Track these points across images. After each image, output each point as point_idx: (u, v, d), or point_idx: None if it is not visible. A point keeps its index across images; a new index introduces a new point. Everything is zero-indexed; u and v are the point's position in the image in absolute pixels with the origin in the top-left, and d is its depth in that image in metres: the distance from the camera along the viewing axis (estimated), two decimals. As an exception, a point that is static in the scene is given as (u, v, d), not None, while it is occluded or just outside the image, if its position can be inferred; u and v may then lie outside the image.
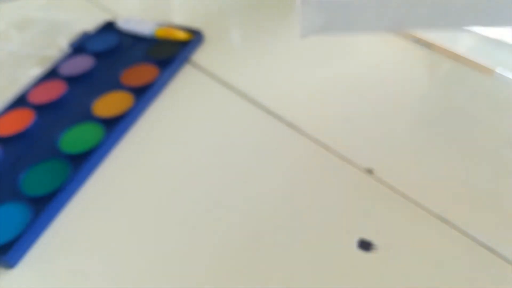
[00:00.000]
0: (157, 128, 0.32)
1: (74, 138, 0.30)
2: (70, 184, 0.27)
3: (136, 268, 0.23)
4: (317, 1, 0.10)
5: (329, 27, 0.11)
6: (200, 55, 0.38)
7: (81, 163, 0.28)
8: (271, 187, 0.26)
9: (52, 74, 0.36)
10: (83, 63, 0.37)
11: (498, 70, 0.28)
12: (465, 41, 0.30)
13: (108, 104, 0.32)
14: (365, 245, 0.23)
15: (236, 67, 0.36)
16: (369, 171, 0.27)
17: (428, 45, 0.26)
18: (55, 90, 0.34)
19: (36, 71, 0.37)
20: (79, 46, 0.39)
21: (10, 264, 0.24)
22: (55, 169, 0.28)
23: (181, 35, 0.39)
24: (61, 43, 0.39)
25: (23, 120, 0.32)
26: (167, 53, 0.37)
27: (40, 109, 0.33)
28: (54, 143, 0.30)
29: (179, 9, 0.47)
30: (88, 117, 0.31)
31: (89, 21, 0.42)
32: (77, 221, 0.26)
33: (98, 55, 0.38)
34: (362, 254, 0.23)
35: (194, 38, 0.39)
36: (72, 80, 0.35)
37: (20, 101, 0.34)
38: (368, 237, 0.23)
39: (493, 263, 0.22)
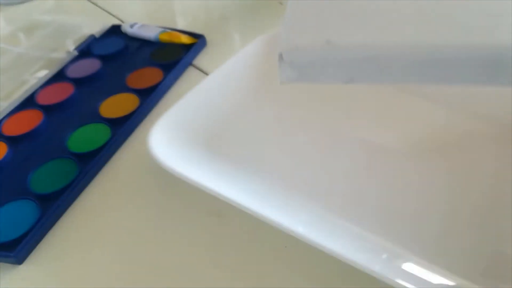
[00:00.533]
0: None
1: (82, 138, 0.31)
2: (77, 182, 0.27)
3: (143, 265, 0.23)
4: (289, 61, 0.14)
5: (302, 79, 0.15)
6: (203, 59, 0.39)
7: (88, 162, 0.28)
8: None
9: (59, 76, 0.37)
10: (90, 65, 0.38)
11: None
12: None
13: (114, 105, 0.33)
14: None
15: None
16: None
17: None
18: (63, 91, 0.35)
19: (43, 73, 0.37)
20: (86, 49, 0.40)
21: (18, 260, 0.24)
22: (63, 168, 0.28)
23: (185, 39, 0.40)
24: (68, 46, 0.40)
25: (32, 120, 0.32)
26: (171, 57, 0.38)
27: (48, 110, 0.33)
28: (62, 142, 0.30)
29: (182, 14, 0.48)
30: (95, 117, 0.32)
31: (96, 25, 0.43)
32: (84, 218, 0.26)
33: (104, 58, 0.38)
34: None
35: (197, 42, 0.40)
36: (79, 82, 0.36)
37: (29, 102, 0.34)
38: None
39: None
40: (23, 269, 0.24)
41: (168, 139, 0.26)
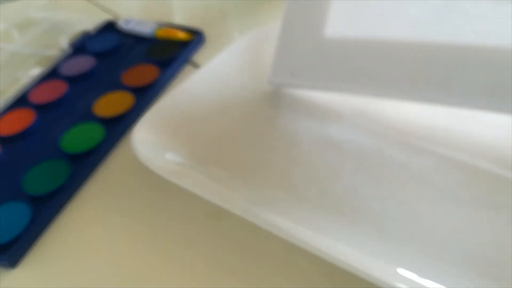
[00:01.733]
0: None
1: (75, 138, 0.30)
2: (71, 183, 0.27)
3: (139, 268, 0.23)
4: (273, 82, 0.24)
5: (281, 87, 0.25)
6: (201, 56, 0.39)
7: (82, 163, 0.28)
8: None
9: (52, 74, 0.36)
10: (84, 63, 0.37)
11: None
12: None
13: (109, 104, 0.33)
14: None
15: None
16: None
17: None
18: (56, 90, 0.34)
19: (36, 71, 0.37)
20: (80, 46, 0.39)
21: (11, 263, 0.24)
22: (56, 169, 0.28)
23: (182, 35, 0.39)
24: (62, 43, 0.39)
25: (24, 119, 0.32)
26: (168, 53, 0.37)
27: (40, 109, 0.33)
28: (55, 142, 0.30)
29: (179, 9, 0.48)
30: (88, 117, 0.32)
31: (90, 22, 0.42)
32: (78, 220, 0.26)
33: (98, 55, 0.38)
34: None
35: (195, 38, 0.39)
36: (72, 80, 0.35)
37: (21, 101, 0.34)
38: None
39: None
40: (16, 273, 0.24)
41: (152, 137, 0.26)
